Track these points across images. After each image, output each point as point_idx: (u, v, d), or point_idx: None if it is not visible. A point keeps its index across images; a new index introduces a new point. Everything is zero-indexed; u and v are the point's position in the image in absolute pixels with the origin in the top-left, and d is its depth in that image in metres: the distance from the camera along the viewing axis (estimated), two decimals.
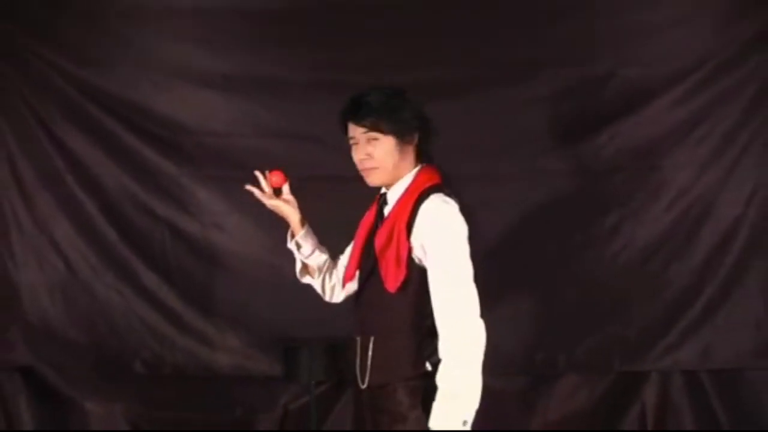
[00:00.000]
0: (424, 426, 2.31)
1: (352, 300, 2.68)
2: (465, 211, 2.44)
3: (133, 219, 4.10)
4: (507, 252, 3.90)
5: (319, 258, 2.75)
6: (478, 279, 2.38)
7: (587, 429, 4.05)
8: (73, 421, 4.12)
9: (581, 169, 4.03)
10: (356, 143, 2.50)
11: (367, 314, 2.49)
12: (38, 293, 4.08)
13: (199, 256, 4.12)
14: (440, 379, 2.29)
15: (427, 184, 2.45)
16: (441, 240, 2.35)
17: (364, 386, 2.44)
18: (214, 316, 4.11)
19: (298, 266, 2.80)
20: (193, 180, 4.10)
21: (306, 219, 2.75)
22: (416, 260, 2.39)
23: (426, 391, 2.34)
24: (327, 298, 2.83)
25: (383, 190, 2.56)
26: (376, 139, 2.45)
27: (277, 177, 2.70)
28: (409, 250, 2.37)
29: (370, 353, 2.43)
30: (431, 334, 2.35)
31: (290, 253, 2.78)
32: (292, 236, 2.74)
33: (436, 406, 2.28)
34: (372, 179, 2.50)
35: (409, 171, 2.50)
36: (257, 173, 2.73)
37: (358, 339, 2.48)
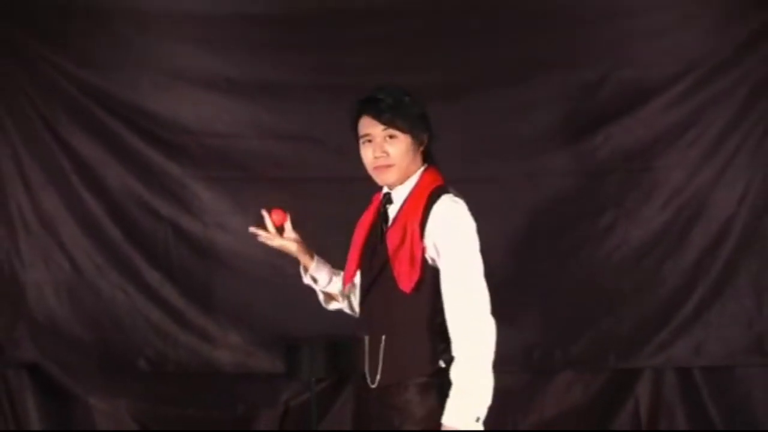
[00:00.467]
0: (436, 422, 2.30)
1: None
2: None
3: (137, 219, 4.14)
4: (504, 251, 3.92)
5: (338, 283, 2.72)
6: None
7: (583, 424, 4.09)
8: (77, 416, 4.16)
9: (576, 169, 4.06)
10: (370, 140, 2.46)
11: (377, 314, 2.46)
12: (44, 292, 4.12)
13: (201, 256, 4.15)
14: (454, 376, 2.29)
15: (434, 185, 2.44)
16: (454, 239, 2.35)
17: (374, 385, 2.42)
18: (216, 314, 4.15)
19: (321, 297, 2.77)
20: (196, 180, 4.14)
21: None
22: (429, 261, 2.38)
23: (439, 388, 2.33)
24: (357, 315, 2.73)
25: (385, 189, 2.54)
26: (394, 136, 2.42)
27: (277, 215, 2.68)
28: (423, 250, 2.36)
29: (381, 353, 2.42)
30: (443, 332, 2.35)
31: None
32: (305, 270, 2.72)
33: (450, 403, 2.28)
34: (385, 177, 2.47)
35: (416, 171, 2.48)
36: (263, 212, 2.70)
37: (366, 338, 2.47)
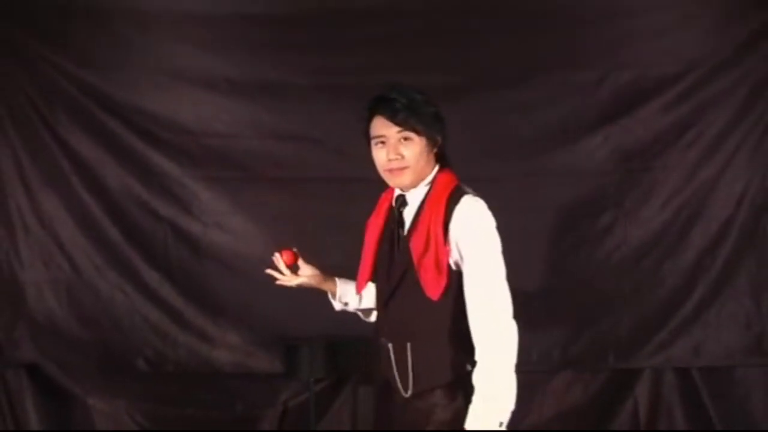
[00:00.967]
0: (461, 424, 2.28)
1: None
2: None
3: (137, 219, 4.13)
4: (503, 251, 3.91)
5: (368, 296, 2.68)
6: None
7: (582, 424, 4.10)
8: (76, 417, 4.16)
9: (576, 169, 4.07)
10: (384, 142, 2.40)
11: (402, 321, 2.41)
12: (43, 292, 4.12)
13: (201, 256, 4.16)
14: (477, 380, 2.27)
15: (452, 186, 2.40)
16: (478, 242, 2.31)
17: (407, 394, 2.40)
18: (215, 315, 4.15)
19: (361, 315, 2.75)
20: (196, 180, 4.13)
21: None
22: (452, 266, 2.34)
23: (464, 392, 2.32)
24: None
25: (398, 192, 2.49)
26: (409, 138, 2.37)
27: (287, 256, 2.64)
28: (447, 255, 2.32)
29: (409, 361, 2.39)
30: (468, 336, 2.32)
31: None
32: (333, 297, 2.70)
33: (474, 408, 2.26)
34: (400, 180, 2.42)
35: (430, 173, 2.44)
36: (276, 256, 2.65)
37: (390, 345, 2.44)
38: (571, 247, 4.07)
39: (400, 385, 2.42)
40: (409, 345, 2.39)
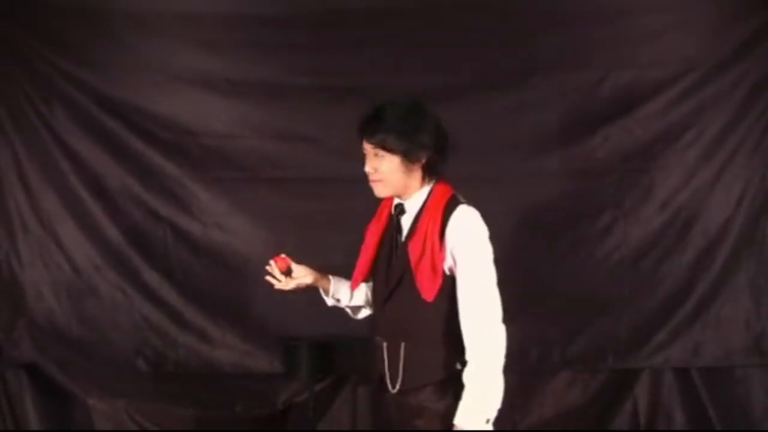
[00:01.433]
0: (450, 416, 2.40)
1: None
2: None
3: (136, 219, 4.13)
4: (502, 251, 3.88)
5: (360, 293, 2.80)
6: None
7: (581, 424, 4.11)
8: (76, 417, 4.17)
9: (575, 169, 4.08)
10: (366, 155, 2.54)
11: (398, 321, 2.52)
12: (43, 292, 4.12)
13: (200, 256, 4.15)
14: (468, 379, 2.38)
15: (447, 196, 2.51)
16: (470, 249, 2.43)
17: (394, 390, 2.51)
18: (215, 315, 4.15)
19: (349, 311, 2.85)
20: (195, 181, 4.14)
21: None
22: (447, 271, 2.46)
23: (454, 389, 2.42)
24: None
25: (397, 200, 2.59)
26: (380, 155, 2.49)
27: (280, 262, 2.74)
28: (443, 260, 2.44)
29: (401, 359, 2.50)
30: (459, 336, 2.43)
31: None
32: (326, 294, 2.79)
33: (463, 405, 2.38)
34: (377, 191, 2.56)
35: (419, 184, 2.54)
36: (270, 264, 2.72)
37: (385, 344, 2.54)
38: (570, 247, 4.08)
39: (389, 382, 2.53)
40: (403, 344, 2.51)
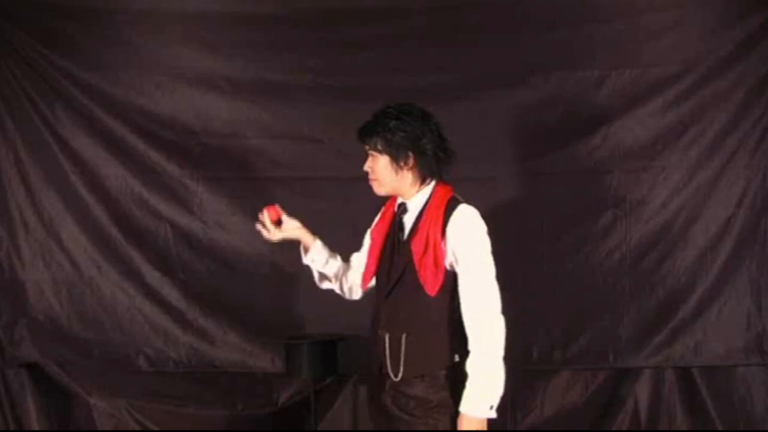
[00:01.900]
0: (446, 410, 2.56)
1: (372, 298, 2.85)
2: None
3: (137, 218, 4.14)
4: (503, 251, 3.89)
5: (334, 265, 2.96)
6: None
7: (582, 423, 4.11)
8: (77, 415, 4.19)
9: (576, 169, 4.07)
10: (367, 155, 2.73)
11: (401, 315, 2.66)
12: (44, 291, 4.13)
13: (201, 255, 4.16)
14: (470, 368, 2.53)
15: (448, 196, 2.67)
16: (471, 245, 2.59)
17: (397, 379, 2.63)
18: (215, 313, 4.16)
19: (316, 276, 2.99)
20: (196, 180, 4.15)
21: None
22: (447, 267, 2.61)
23: (450, 380, 2.59)
24: (347, 297, 3.04)
25: (400, 200, 2.75)
26: (373, 155, 2.69)
27: (272, 212, 2.88)
28: (444, 256, 2.59)
29: (402, 350, 2.63)
30: (459, 329, 2.59)
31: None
32: (306, 251, 2.94)
33: (467, 393, 2.52)
34: (375, 189, 2.74)
35: (415, 184, 2.70)
36: (261, 213, 2.91)
37: (386, 336, 2.67)
38: (571, 246, 4.07)
39: (390, 371, 2.65)
40: (404, 336, 2.63)
